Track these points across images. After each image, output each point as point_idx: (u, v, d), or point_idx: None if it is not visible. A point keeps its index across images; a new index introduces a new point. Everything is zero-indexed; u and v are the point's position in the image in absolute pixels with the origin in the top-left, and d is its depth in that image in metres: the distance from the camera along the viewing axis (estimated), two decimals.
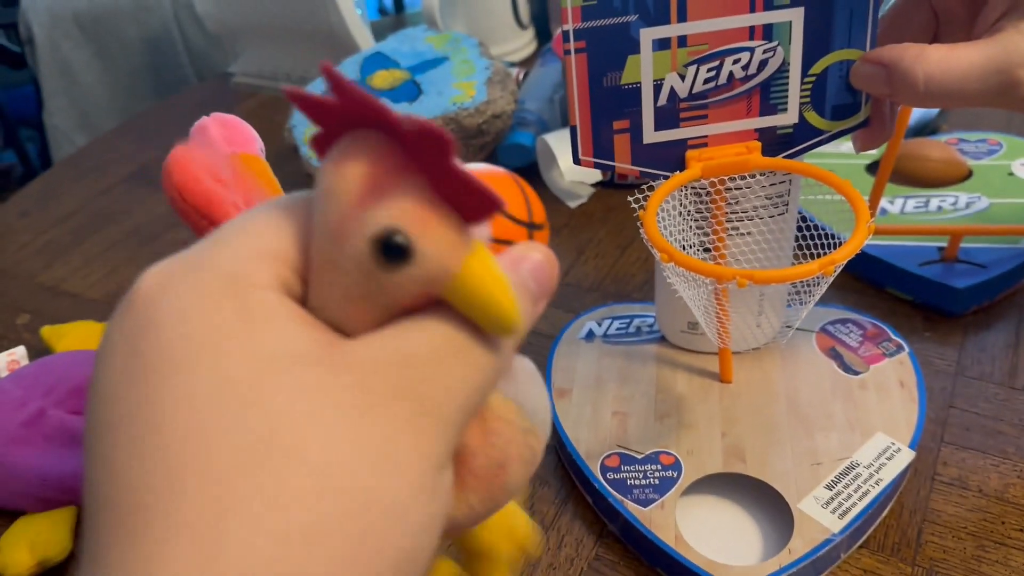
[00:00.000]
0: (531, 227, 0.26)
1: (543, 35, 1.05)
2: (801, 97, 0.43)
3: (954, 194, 0.64)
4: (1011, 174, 0.66)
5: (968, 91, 0.37)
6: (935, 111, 0.77)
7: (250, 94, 1.04)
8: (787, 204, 0.47)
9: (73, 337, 0.61)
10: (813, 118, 0.43)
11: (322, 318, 0.20)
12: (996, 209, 0.62)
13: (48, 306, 0.70)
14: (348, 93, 0.18)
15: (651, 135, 0.43)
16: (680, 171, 0.43)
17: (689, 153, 0.43)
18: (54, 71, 1.57)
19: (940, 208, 0.63)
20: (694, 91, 0.42)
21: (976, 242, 0.59)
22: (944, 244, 0.59)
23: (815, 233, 0.45)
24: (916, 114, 0.76)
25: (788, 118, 0.43)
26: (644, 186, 0.43)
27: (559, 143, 0.72)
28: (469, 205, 0.19)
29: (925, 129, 0.76)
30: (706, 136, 0.43)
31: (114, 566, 0.17)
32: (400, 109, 0.70)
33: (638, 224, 0.41)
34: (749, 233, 0.47)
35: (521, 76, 0.87)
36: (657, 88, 0.42)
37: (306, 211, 0.21)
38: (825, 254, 0.42)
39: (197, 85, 1.49)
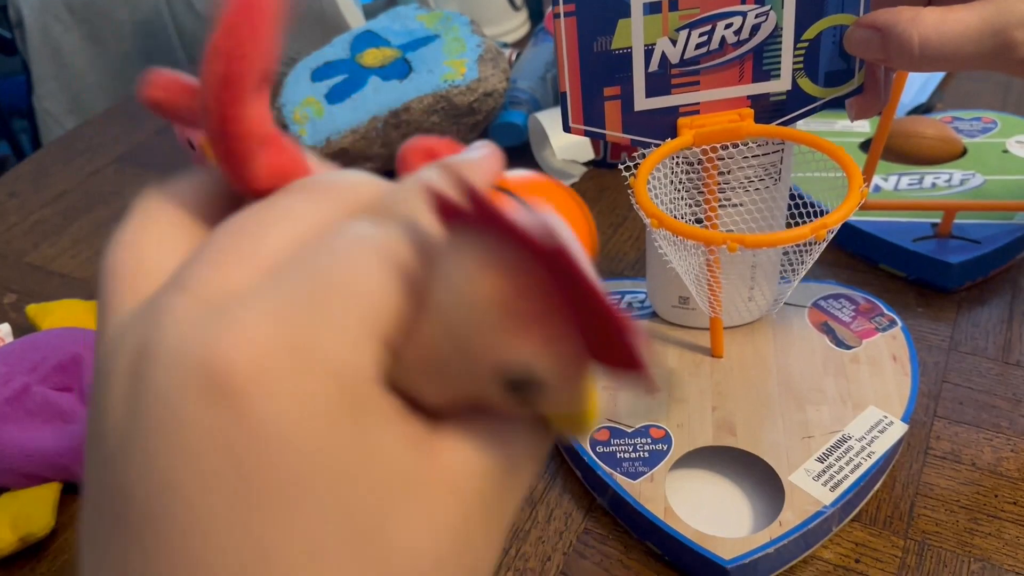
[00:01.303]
0: None
1: (536, 16, 1.04)
2: (794, 63, 0.42)
3: (948, 171, 0.64)
4: (1006, 151, 0.65)
5: (963, 54, 0.37)
6: (930, 90, 0.77)
7: None
8: (779, 174, 0.46)
9: (58, 315, 0.60)
10: (806, 85, 0.43)
11: (402, 386, 0.19)
12: (991, 186, 0.62)
13: (36, 286, 0.69)
14: (494, 218, 0.17)
15: (642, 102, 0.42)
16: (672, 139, 0.42)
17: (681, 120, 0.43)
18: (44, 55, 1.55)
19: (934, 185, 0.62)
20: (686, 57, 0.41)
21: (970, 218, 0.59)
22: (938, 220, 0.59)
23: (806, 203, 0.44)
24: (910, 93, 0.75)
25: (781, 85, 0.43)
26: (635, 154, 0.42)
27: (551, 122, 0.71)
28: (607, 347, 0.18)
29: (920, 108, 0.75)
30: (698, 103, 0.43)
31: None
32: (390, 87, 0.69)
33: (629, 191, 0.40)
34: (741, 204, 0.46)
35: (514, 57, 0.86)
36: (648, 53, 0.41)
37: (407, 267, 0.18)
38: None
39: (189, 68, 1.48)
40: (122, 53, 1.62)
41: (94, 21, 1.55)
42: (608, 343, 0.17)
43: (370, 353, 0.18)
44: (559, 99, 0.43)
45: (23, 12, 1.52)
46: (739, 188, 0.45)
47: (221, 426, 0.16)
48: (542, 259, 0.17)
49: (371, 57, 0.72)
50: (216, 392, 0.16)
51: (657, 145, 0.42)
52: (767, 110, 0.43)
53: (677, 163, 0.44)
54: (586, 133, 0.43)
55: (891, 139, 0.64)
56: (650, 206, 0.38)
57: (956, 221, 0.58)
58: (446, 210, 0.18)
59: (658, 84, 0.42)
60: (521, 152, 0.76)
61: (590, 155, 0.72)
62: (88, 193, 0.83)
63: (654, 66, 0.42)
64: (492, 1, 0.98)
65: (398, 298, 0.18)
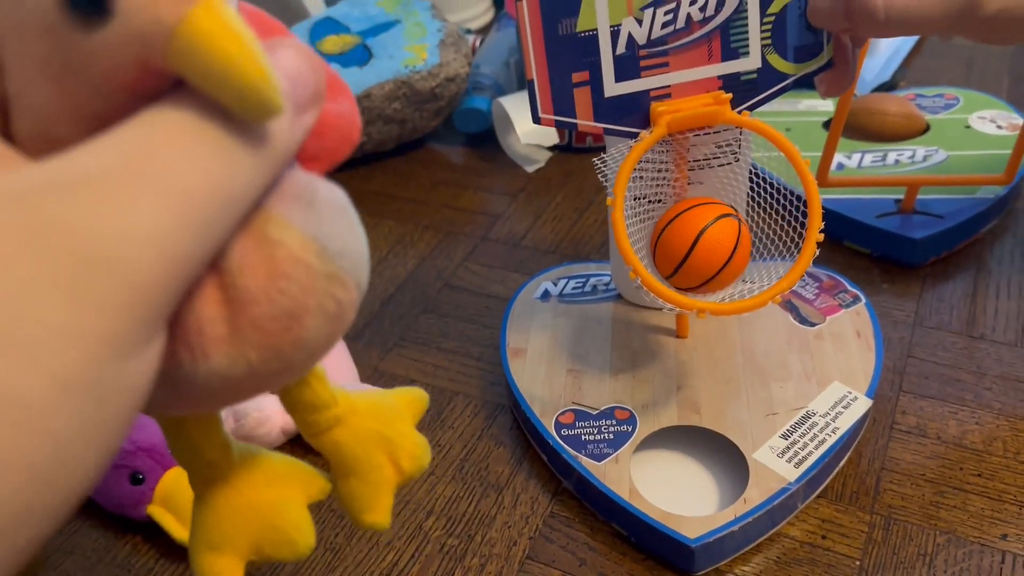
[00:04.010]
0: None
1: (500, 2, 1.03)
2: (762, 39, 0.42)
3: (911, 147, 0.64)
4: (968, 127, 0.66)
5: (930, 16, 0.37)
6: (893, 67, 0.77)
7: None
8: (737, 154, 0.46)
9: None
10: (776, 61, 0.42)
11: (26, 117, 0.16)
12: (954, 161, 0.62)
13: None
14: None
15: (612, 87, 0.42)
16: (645, 126, 0.42)
17: (655, 106, 0.42)
18: None
19: (897, 162, 0.63)
20: (652, 36, 0.41)
21: (933, 193, 0.59)
22: (901, 196, 0.59)
23: (767, 181, 0.44)
24: (873, 71, 0.75)
25: (751, 63, 0.42)
26: (599, 158, 0.42)
27: (515, 107, 0.70)
28: None
29: (883, 86, 0.75)
30: (669, 86, 0.42)
31: None
32: (350, 74, 0.69)
33: (608, 224, 0.40)
34: (701, 183, 0.46)
35: (478, 44, 0.85)
36: (615, 35, 0.41)
37: None
38: (776, 206, 0.41)
39: None
40: None
41: None
42: None
43: None
44: (525, 85, 0.42)
45: None
46: (698, 167, 0.45)
47: None
48: None
49: (331, 44, 0.72)
50: None
51: (631, 135, 0.42)
52: (740, 90, 0.42)
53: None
54: (557, 124, 0.42)
55: (855, 117, 0.64)
56: (630, 254, 0.40)
57: (919, 197, 0.58)
58: None
59: (627, 67, 0.41)
60: (485, 138, 0.75)
61: (555, 140, 0.72)
62: None
63: (622, 48, 0.41)
64: None
65: None
